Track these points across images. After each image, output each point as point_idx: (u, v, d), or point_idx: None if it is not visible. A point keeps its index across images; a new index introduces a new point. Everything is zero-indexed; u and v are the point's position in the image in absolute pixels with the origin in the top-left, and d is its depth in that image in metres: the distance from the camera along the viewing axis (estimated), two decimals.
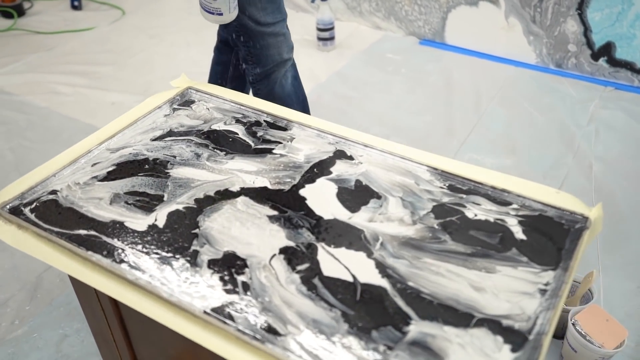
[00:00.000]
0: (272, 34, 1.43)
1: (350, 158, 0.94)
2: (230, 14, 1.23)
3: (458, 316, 0.68)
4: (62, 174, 0.92)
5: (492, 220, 0.82)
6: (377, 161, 0.93)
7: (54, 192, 0.88)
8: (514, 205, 0.84)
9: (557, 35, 2.23)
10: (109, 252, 0.78)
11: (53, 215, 0.84)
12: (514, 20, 2.32)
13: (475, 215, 0.83)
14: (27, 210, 0.85)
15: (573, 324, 1.14)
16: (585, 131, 1.93)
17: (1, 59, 2.51)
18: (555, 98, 2.12)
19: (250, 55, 1.47)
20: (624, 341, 1.11)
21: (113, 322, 0.95)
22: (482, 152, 1.85)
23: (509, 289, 0.72)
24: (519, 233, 0.80)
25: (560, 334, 1.22)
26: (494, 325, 0.67)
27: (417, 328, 0.67)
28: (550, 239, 0.78)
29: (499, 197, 0.86)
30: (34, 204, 0.86)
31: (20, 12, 2.86)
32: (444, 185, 0.88)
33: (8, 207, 0.85)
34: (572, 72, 2.26)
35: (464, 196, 0.86)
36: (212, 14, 1.22)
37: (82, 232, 0.81)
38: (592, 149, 1.85)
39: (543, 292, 0.71)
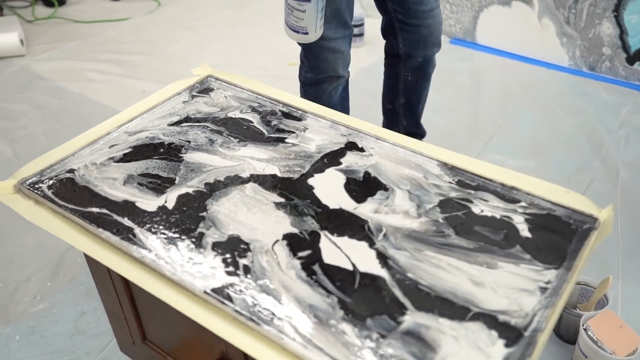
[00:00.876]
0: (330, 49, 1.35)
1: (361, 150, 0.95)
2: (316, 33, 1.14)
3: (454, 309, 0.68)
4: (81, 154, 0.95)
5: (498, 217, 0.81)
6: (387, 154, 0.94)
7: (71, 170, 0.91)
8: (522, 203, 0.83)
9: (592, 37, 2.18)
10: (119, 230, 0.80)
11: (69, 192, 0.87)
12: (547, 21, 2.27)
13: (482, 211, 0.82)
14: (45, 187, 0.88)
15: (585, 329, 1.12)
16: (615, 136, 1.88)
17: (40, 46, 2.59)
18: (586, 101, 2.08)
19: (306, 60, 1.43)
20: (637, 349, 1.09)
21: (124, 300, 0.98)
22: (506, 154, 1.83)
23: (508, 285, 0.71)
24: (524, 231, 0.79)
25: (572, 339, 1.20)
26: (490, 320, 0.67)
27: (412, 318, 0.67)
28: (556, 238, 0.77)
29: (507, 195, 0.85)
30: (52, 181, 0.89)
31: (61, 1, 2.94)
32: (453, 180, 0.88)
33: (28, 183, 0.88)
34: (606, 76, 2.21)
35: (472, 192, 0.86)
36: (298, 32, 1.14)
37: (95, 209, 0.84)
38: (621, 154, 1.80)
39: (543, 290, 0.70)
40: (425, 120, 1.72)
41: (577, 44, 2.23)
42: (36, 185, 0.88)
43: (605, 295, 1.21)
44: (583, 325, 1.12)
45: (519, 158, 1.81)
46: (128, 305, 0.99)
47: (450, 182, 0.87)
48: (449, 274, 0.73)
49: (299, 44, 1.36)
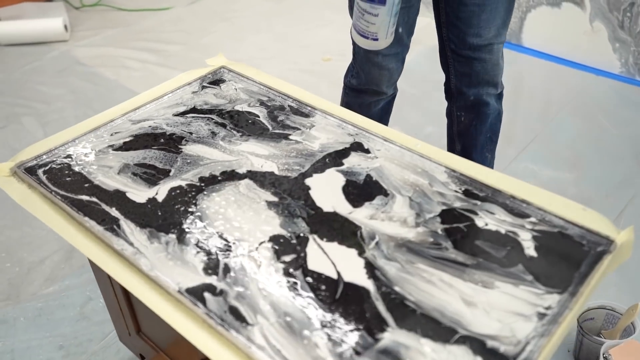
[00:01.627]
0: (377, 64, 1.27)
1: (367, 151, 0.90)
2: (386, 40, 1.03)
3: (439, 330, 0.63)
4: (82, 140, 0.94)
5: (503, 231, 0.75)
6: (394, 157, 0.88)
7: (69, 156, 0.90)
8: (532, 219, 0.76)
9: None
10: (104, 220, 0.78)
11: (62, 178, 0.86)
12: (599, 25, 2.15)
13: (486, 224, 0.76)
14: (40, 172, 0.87)
15: (605, 358, 1.03)
16: None
17: (83, 32, 2.64)
18: (635, 112, 1.95)
19: (353, 65, 1.36)
20: None
21: (119, 291, 0.96)
22: (541, 163, 1.73)
23: (503, 307, 0.65)
24: (530, 249, 0.72)
25: None
26: (476, 344, 0.61)
27: (392, 336, 0.62)
28: (564, 259, 0.71)
29: (517, 208, 0.78)
30: (49, 166, 0.88)
31: None
32: (460, 189, 0.82)
33: (24, 166, 0.88)
34: None
35: (479, 203, 0.79)
36: (366, 38, 1.03)
37: (85, 197, 0.82)
38: None
39: (542, 316, 0.64)
40: None
41: (630, 50, 2.10)
42: (32, 170, 0.87)
43: (633, 323, 1.11)
44: (604, 354, 1.04)
45: (554, 169, 1.72)
46: (122, 297, 0.97)
47: (456, 191, 0.81)
48: (439, 290, 0.67)
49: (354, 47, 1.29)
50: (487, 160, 1.43)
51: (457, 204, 0.79)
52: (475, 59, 1.25)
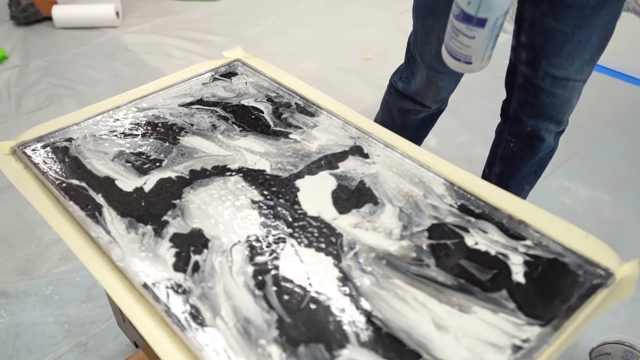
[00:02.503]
0: (426, 78, 1.19)
1: (366, 156, 0.86)
2: (482, 64, 0.92)
3: (402, 352, 0.59)
4: (85, 124, 0.94)
5: (492, 253, 0.70)
6: (392, 164, 0.84)
7: (69, 139, 0.91)
8: (527, 242, 0.71)
9: None
10: (88, 206, 0.78)
11: (58, 161, 0.86)
12: None
13: (476, 243, 0.71)
14: (37, 153, 0.88)
15: None
16: None
17: (134, 19, 2.70)
18: None
19: (404, 71, 1.28)
20: None
21: None
22: (578, 181, 1.64)
23: (476, 335, 0.60)
24: (518, 274, 0.67)
25: None
26: None
27: (350, 354, 0.59)
28: (555, 289, 0.65)
29: (513, 229, 0.73)
30: (47, 148, 0.89)
31: None
32: (455, 203, 0.77)
33: (24, 146, 0.89)
34: None
35: (472, 220, 0.74)
36: (458, 60, 0.93)
37: (75, 182, 0.82)
38: None
39: (517, 349, 0.59)
40: (493, 133, 1.57)
41: None
42: (31, 150, 0.88)
43: None
44: None
45: (592, 188, 1.62)
46: None
47: (451, 205, 0.77)
48: (411, 309, 0.63)
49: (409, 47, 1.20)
50: (523, 191, 1.31)
51: (449, 219, 0.75)
52: (544, 90, 1.11)
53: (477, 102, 1.98)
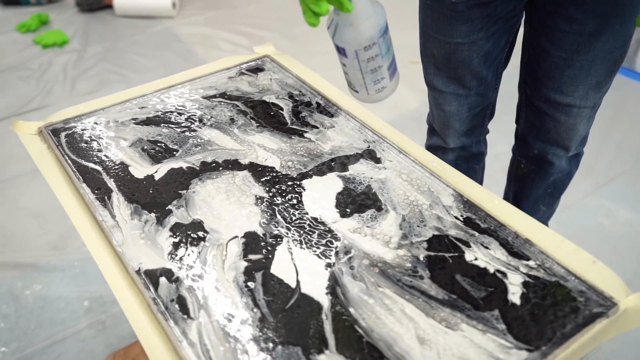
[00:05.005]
0: (435, 100, 1.12)
1: (378, 161, 0.85)
2: (369, 95, 0.86)
3: None
4: (111, 109, 0.97)
5: (491, 270, 0.67)
6: (403, 171, 0.82)
7: (94, 123, 0.94)
8: (531, 262, 0.68)
9: None
10: (100, 189, 0.80)
11: (79, 144, 0.89)
12: None
13: (475, 259, 0.69)
14: (62, 135, 0.91)
15: None
16: None
17: (189, 11, 2.77)
18: None
19: None
20: None
21: None
22: (620, 202, 1.56)
23: (459, 354, 0.58)
24: (515, 295, 0.64)
25: None
26: None
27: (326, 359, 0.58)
28: (551, 313, 0.62)
29: (517, 248, 0.70)
30: (72, 130, 0.92)
31: None
32: (461, 216, 0.75)
33: (50, 128, 0.92)
34: None
35: (476, 234, 0.72)
36: (351, 88, 0.88)
37: (91, 165, 0.85)
38: None
39: None
40: None
41: None
42: (56, 131, 0.91)
43: None
44: None
45: (634, 210, 1.54)
46: None
47: (456, 218, 0.74)
48: (396, 321, 0.62)
49: None
50: (539, 212, 1.25)
51: (452, 232, 0.72)
52: (548, 114, 1.05)
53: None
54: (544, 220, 1.27)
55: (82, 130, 0.92)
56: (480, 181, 1.31)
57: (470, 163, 1.22)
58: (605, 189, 1.61)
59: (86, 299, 1.29)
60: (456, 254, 0.69)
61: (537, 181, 1.17)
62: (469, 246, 0.70)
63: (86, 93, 2.15)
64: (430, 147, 1.22)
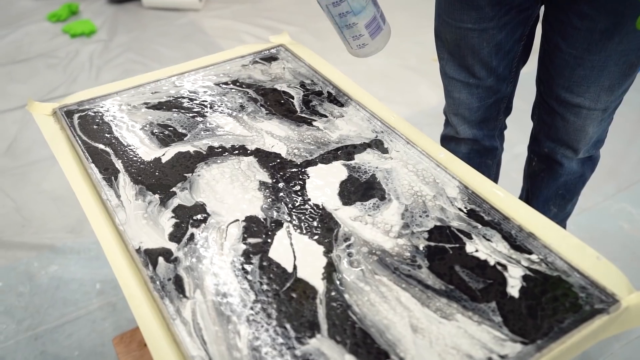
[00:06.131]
0: (446, 86, 1.12)
1: (385, 151, 0.84)
2: (352, 50, 0.92)
3: (370, 349, 0.57)
4: (125, 93, 0.98)
5: (492, 263, 0.66)
6: (409, 161, 0.82)
7: (108, 106, 0.95)
8: (533, 257, 0.66)
9: None
10: (107, 169, 0.81)
11: (91, 125, 0.90)
12: None
13: (476, 251, 0.67)
14: (75, 116, 0.92)
15: None
16: None
17: (216, 4, 2.79)
18: None
19: None
20: None
21: None
22: None
23: (452, 343, 0.57)
24: (514, 288, 0.63)
25: None
26: None
27: (318, 344, 0.58)
28: (549, 308, 0.60)
29: (520, 241, 0.68)
30: (85, 112, 0.93)
31: None
32: (465, 208, 0.73)
33: (65, 109, 0.94)
34: None
35: (479, 226, 0.71)
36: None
37: (100, 146, 0.86)
38: None
39: None
40: None
41: None
42: (70, 113, 0.93)
43: None
44: None
45: None
46: None
47: (460, 210, 0.73)
48: (391, 309, 0.61)
49: None
50: (550, 212, 1.22)
51: (454, 223, 0.71)
52: (558, 113, 1.03)
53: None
54: (559, 221, 1.25)
55: (95, 112, 0.94)
56: (494, 178, 1.28)
57: (483, 157, 1.20)
58: (627, 192, 1.57)
59: (99, 282, 1.31)
60: (457, 245, 0.68)
61: (547, 181, 1.15)
62: (470, 238, 0.69)
63: (110, 82, 2.16)
64: (444, 138, 1.21)
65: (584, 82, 0.93)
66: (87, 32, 2.56)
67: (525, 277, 0.64)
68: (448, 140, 1.19)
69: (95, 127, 0.90)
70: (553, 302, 0.61)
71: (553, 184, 1.14)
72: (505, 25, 0.96)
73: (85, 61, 2.35)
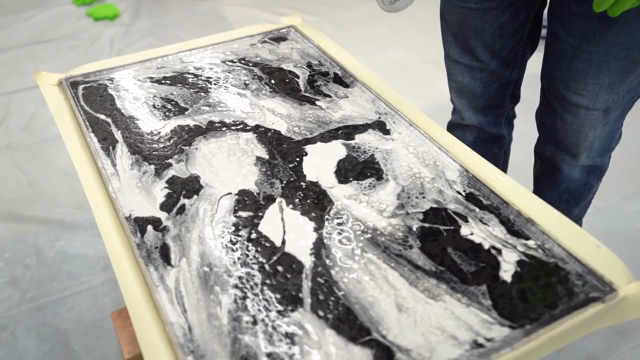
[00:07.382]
0: (449, 69, 1.09)
1: (387, 132, 0.82)
2: (384, 5, 0.89)
3: (352, 325, 0.55)
4: (132, 67, 0.98)
5: (486, 246, 0.64)
6: (411, 143, 0.80)
7: (111, 79, 0.95)
8: (530, 242, 0.64)
9: None
10: (106, 139, 0.81)
11: (95, 97, 0.90)
12: None
13: (471, 234, 0.65)
14: (80, 87, 0.93)
15: None
16: None
17: None
18: None
19: None
20: None
21: None
22: None
23: (437, 324, 0.56)
24: (507, 272, 0.61)
25: None
26: (382, 353, 0.53)
27: (299, 317, 0.56)
28: (542, 294, 0.58)
29: (518, 226, 0.66)
30: (90, 84, 0.93)
31: None
32: (464, 191, 0.71)
33: (71, 80, 0.94)
34: None
35: (477, 210, 0.69)
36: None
37: (102, 116, 0.86)
38: None
39: (476, 346, 0.53)
40: None
41: None
42: (75, 84, 0.93)
43: None
44: None
45: None
46: None
47: (458, 192, 0.71)
48: (377, 287, 0.59)
49: None
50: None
51: (451, 206, 0.69)
52: (557, 113, 0.97)
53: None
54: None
55: (100, 84, 0.93)
56: (501, 169, 1.25)
57: (490, 146, 1.16)
58: None
59: (103, 258, 1.32)
60: (452, 228, 0.66)
61: (548, 186, 1.10)
62: (466, 221, 0.67)
63: None
64: (450, 125, 1.19)
65: (582, 78, 0.89)
66: (110, 16, 2.58)
67: (520, 262, 0.62)
68: (454, 128, 1.17)
69: (99, 98, 0.90)
70: (546, 288, 0.59)
71: (555, 189, 1.10)
72: (509, 6, 0.93)
73: (106, 44, 2.36)
